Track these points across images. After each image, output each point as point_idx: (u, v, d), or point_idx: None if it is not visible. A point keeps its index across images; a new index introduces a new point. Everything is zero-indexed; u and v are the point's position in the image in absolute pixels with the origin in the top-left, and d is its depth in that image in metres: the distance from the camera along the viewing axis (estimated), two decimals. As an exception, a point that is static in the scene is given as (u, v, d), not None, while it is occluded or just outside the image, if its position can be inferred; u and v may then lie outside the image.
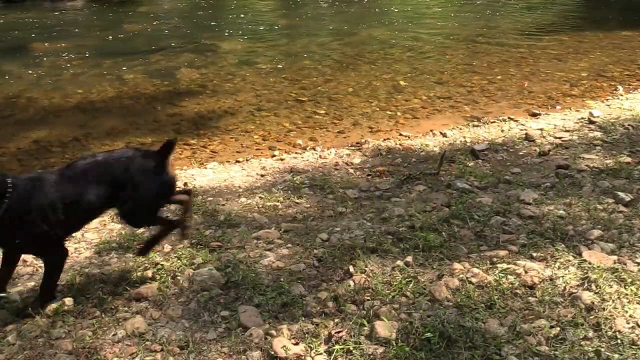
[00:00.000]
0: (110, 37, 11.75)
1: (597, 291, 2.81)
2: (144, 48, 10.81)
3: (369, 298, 2.87)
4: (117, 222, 4.07)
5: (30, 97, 7.91)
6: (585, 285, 2.87)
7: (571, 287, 2.88)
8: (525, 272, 3.02)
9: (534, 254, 3.23)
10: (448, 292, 2.88)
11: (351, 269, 3.13)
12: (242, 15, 14.24)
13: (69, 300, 2.94)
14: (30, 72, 9.26)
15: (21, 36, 12.21)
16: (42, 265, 3.37)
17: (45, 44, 11.27)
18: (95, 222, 4.05)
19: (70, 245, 3.70)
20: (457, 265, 3.12)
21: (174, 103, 7.72)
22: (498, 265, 3.11)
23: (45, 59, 10.07)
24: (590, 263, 3.07)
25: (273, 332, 2.63)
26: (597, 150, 5.19)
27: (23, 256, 3.51)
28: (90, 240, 3.77)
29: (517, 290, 2.89)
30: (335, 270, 3.20)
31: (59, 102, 7.74)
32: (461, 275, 3.01)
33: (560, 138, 5.65)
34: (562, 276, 2.97)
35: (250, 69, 9.31)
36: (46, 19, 14.23)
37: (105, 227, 3.99)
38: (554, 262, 3.13)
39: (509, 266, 3.09)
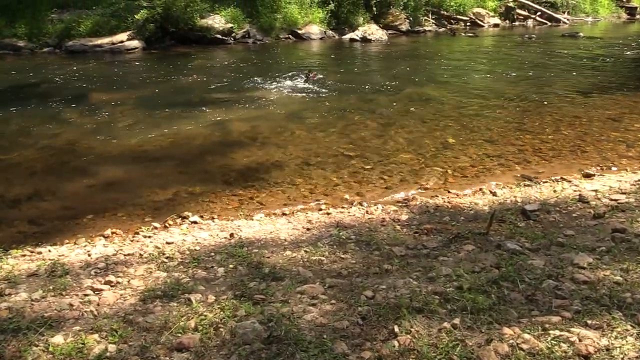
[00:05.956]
0: (165, 88, 12.17)
1: (657, 365, 2.64)
2: (196, 99, 11.19)
3: (413, 360, 2.78)
4: (162, 270, 4.11)
5: (88, 145, 8.24)
6: (645, 357, 2.72)
7: (629, 358, 2.72)
8: (580, 340, 2.87)
9: (589, 322, 3.07)
10: (497, 358, 2.76)
11: (396, 328, 3.05)
12: (292, 69, 14.54)
13: (112, 347, 2.94)
14: (88, 120, 9.67)
15: (82, 86, 12.84)
16: (90, 312, 3.41)
17: (104, 94, 11.77)
18: (141, 269, 4.11)
19: (116, 291, 3.74)
20: (506, 330, 3.00)
21: (224, 154, 7.86)
22: (550, 331, 2.97)
23: (103, 108, 10.51)
24: (649, 334, 2.91)
25: (314, 391, 2.56)
26: (656, 214, 5.00)
27: (77, 303, 3.57)
28: (136, 287, 3.80)
29: (571, 359, 2.75)
30: (379, 329, 3.11)
31: (113, 150, 8.02)
32: (511, 341, 2.89)
33: (616, 200, 5.47)
34: (620, 346, 2.81)
35: (299, 123, 9.44)
36: (105, 70, 14.94)
37: (151, 274, 4.03)
38: (610, 331, 2.97)
39: (562, 333, 2.95)
